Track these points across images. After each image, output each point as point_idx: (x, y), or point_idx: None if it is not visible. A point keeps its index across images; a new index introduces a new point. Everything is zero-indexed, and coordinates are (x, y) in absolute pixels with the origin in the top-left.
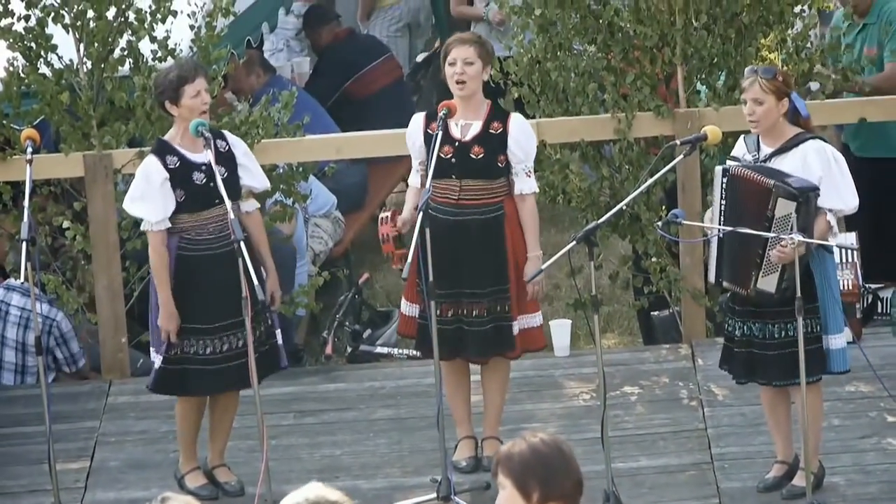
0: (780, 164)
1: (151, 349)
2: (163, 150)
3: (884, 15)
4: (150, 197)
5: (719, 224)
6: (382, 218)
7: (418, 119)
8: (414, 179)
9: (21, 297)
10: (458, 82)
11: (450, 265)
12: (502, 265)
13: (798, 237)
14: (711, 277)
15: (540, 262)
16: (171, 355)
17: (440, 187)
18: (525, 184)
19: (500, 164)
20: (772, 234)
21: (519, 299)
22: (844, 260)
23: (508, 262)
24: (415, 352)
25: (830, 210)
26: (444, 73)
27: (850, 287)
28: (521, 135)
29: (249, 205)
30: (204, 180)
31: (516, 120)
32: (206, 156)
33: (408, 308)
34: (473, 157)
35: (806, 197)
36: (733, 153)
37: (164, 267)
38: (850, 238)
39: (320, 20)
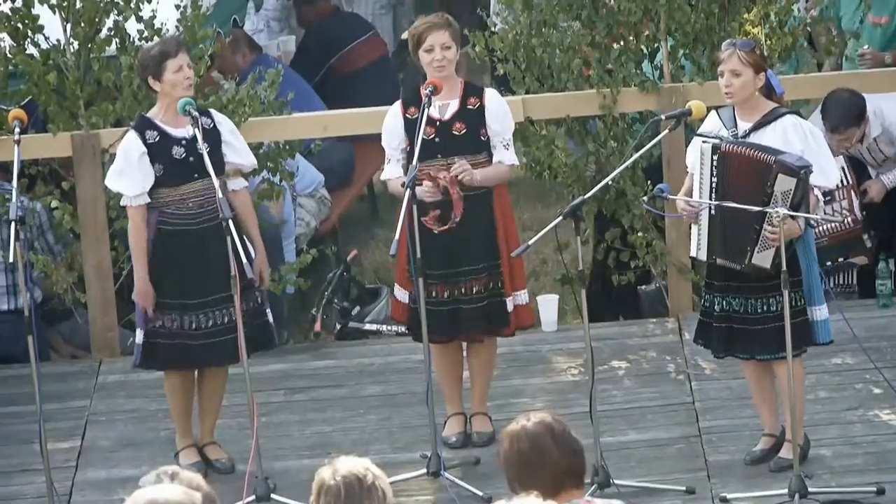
0: (760, 138)
1: (137, 327)
2: (142, 126)
3: None
4: (127, 172)
5: (709, 200)
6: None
7: (395, 108)
8: (394, 170)
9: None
10: (437, 68)
11: (443, 245)
12: (493, 241)
13: (783, 211)
14: (693, 252)
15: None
16: (150, 329)
17: (426, 169)
18: (504, 155)
19: (482, 138)
20: (758, 209)
21: (511, 276)
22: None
23: (499, 238)
24: (403, 328)
25: (817, 187)
26: (418, 59)
27: (852, 225)
28: (498, 109)
29: (237, 183)
30: (183, 154)
31: (491, 94)
32: (188, 131)
33: (400, 294)
34: (456, 133)
35: (806, 174)
36: (702, 129)
37: (141, 242)
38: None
39: None
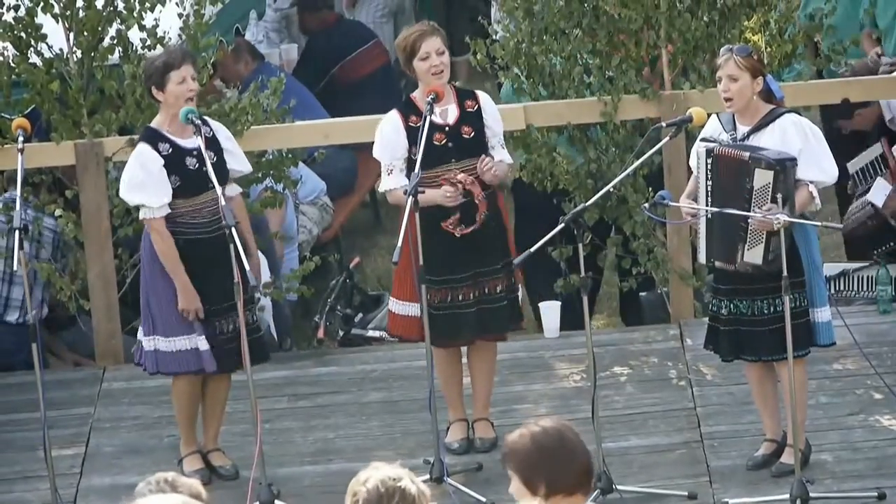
0: (758, 140)
1: (141, 332)
2: (154, 138)
3: None
4: (149, 184)
5: (706, 205)
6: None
7: (393, 118)
8: (399, 180)
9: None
10: (435, 74)
11: (465, 247)
12: (504, 239)
13: (784, 217)
14: (702, 258)
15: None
16: (212, 334)
17: (439, 175)
18: (503, 154)
19: (484, 139)
20: (758, 214)
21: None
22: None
23: (508, 236)
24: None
25: (812, 182)
26: (411, 70)
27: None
28: (492, 109)
29: (232, 189)
30: (196, 165)
31: (484, 96)
32: (196, 141)
33: (402, 307)
34: (466, 136)
35: (783, 166)
36: (703, 133)
37: (174, 250)
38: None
39: (312, 5)
